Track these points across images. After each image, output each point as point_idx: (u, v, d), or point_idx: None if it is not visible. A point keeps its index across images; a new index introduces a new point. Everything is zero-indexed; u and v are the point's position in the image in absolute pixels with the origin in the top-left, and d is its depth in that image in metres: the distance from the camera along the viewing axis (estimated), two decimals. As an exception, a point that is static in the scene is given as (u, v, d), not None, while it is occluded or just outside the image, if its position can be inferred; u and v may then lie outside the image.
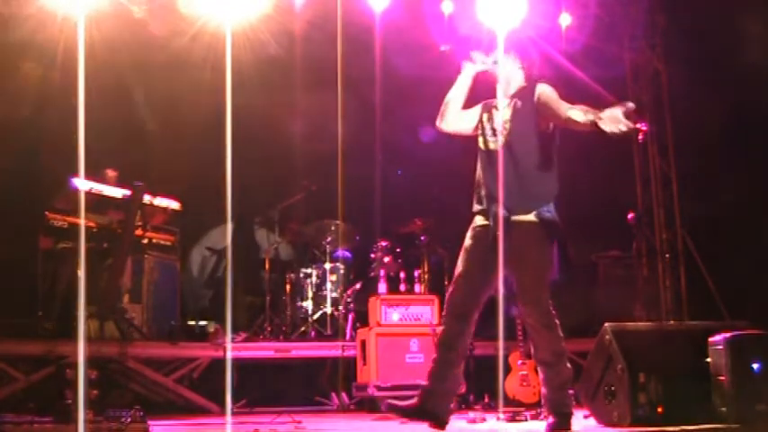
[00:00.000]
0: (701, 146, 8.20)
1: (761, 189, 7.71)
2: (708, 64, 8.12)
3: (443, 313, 4.66)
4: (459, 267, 4.59)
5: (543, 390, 4.48)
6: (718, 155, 8.00)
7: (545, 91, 4.49)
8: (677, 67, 8.67)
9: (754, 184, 7.81)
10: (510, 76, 4.67)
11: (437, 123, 4.77)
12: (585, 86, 8.45)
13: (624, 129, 4.04)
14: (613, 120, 4.05)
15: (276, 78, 8.60)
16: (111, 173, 7.46)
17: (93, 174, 7.11)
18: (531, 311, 4.46)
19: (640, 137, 8.10)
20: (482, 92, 4.80)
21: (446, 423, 4.49)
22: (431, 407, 4.45)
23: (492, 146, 4.61)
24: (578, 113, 4.25)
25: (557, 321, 4.44)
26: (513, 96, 4.63)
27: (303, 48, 8.41)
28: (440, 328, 4.71)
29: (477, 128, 4.73)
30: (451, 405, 4.60)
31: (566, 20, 8.52)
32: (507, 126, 4.56)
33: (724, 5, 7.85)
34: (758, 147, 7.71)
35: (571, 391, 4.46)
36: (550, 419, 4.38)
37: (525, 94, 4.58)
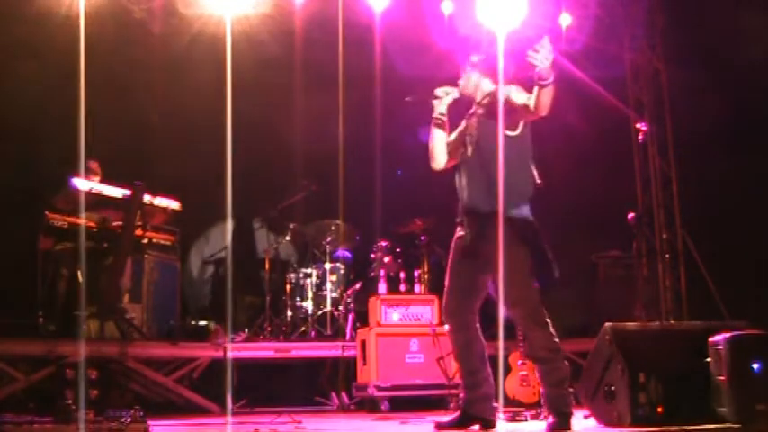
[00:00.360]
0: (701, 146, 8.19)
1: (761, 189, 7.71)
2: (708, 64, 8.12)
3: (446, 329, 4.78)
4: (446, 281, 4.72)
5: (542, 388, 4.50)
6: (718, 155, 7.99)
7: (511, 92, 4.55)
8: (677, 67, 8.66)
9: (755, 184, 7.81)
10: (478, 86, 4.74)
11: (431, 166, 4.86)
12: (585, 86, 8.46)
13: (549, 59, 4.20)
14: (541, 61, 4.17)
15: (276, 78, 8.60)
16: (92, 164, 7.41)
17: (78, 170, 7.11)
18: (518, 311, 4.51)
19: (640, 137, 8.09)
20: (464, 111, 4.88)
21: (494, 423, 4.61)
22: (475, 412, 4.58)
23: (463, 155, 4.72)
24: (532, 95, 4.33)
25: (547, 319, 4.46)
26: (480, 103, 4.71)
27: (303, 48, 8.42)
28: (440, 328, 4.80)
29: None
30: (494, 405, 4.66)
31: (566, 20, 8.52)
32: (474, 132, 4.66)
33: (724, 5, 7.85)
34: (758, 146, 7.71)
35: (570, 389, 4.47)
36: (550, 419, 4.39)
37: (493, 98, 4.64)
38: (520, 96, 4.47)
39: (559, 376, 4.43)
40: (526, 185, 4.58)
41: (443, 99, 4.78)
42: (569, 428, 4.37)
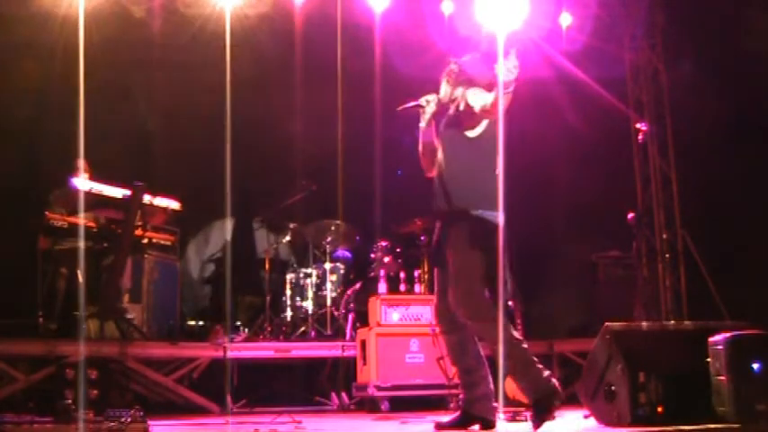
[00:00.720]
0: (701, 146, 8.19)
1: (761, 188, 7.70)
2: (708, 63, 8.12)
3: (438, 330, 4.79)
4: (434, 285, 4.81)
5: (514, 380, 4.53)
6: (718, 155, 7.99)
7: (470, 93, 4.59)
8: (677, 68, 8.66)
9: (755, 184, 7.80)
10: (451, 93, 4.80)
11: (426, 175, 4.92)
12: (585, 86, 8.46)
13: (514, 72, 4.11)
14: (505, 74, 4.13)
15: (276, 78, 8.60)
16: (80, 163, 7.39)
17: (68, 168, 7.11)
18: (461, 307, 4.51)
19: (640, 137, 8.08)
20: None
21: (494, 423, 4.61)
22: (475, 412, 4.58)
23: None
24: (490, 95, 4.36)
25: (495, 314, 4.43)
26: (449, 109, 4.77)
27: (303, 48, 8.42)
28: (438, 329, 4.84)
29: None
30: (494, 405, 4.65)
31: (566, 20, 8.52)
32: (441, 135, 4.74)
33: (724, 4, 7.85)
34: (758, 146, 7.70)
35: (539, 366, 4.46)
36: (533, 409, 4.41)
37: (458, 102, 4.70)
38: (478, 97, 4.50)
39: (523, 359, 4.42)
40: (486, 189, 4.58)
41: (427, 108, 4.82)
42: (553, 406, 4.35)
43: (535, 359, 4.47)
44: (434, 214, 4.74)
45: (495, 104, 4.30)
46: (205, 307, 8.94)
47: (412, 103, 4.84)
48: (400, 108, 4.87)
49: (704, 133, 8.10)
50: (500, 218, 4.54)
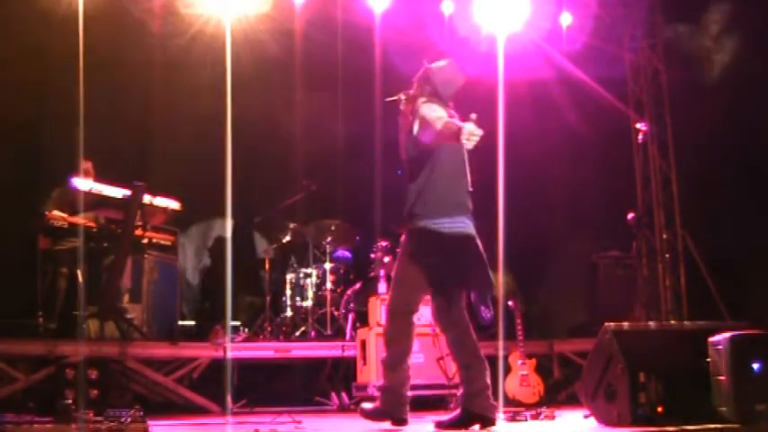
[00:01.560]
0: (701, 146, 8.19)
1: (761, 188, 7.70)
2: (708, 63, 8.12)
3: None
4: None
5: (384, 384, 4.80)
6: (718, 155, 7.98)
7: (420, 107, 4.62)
8: (677, 67, 8.66)
9: (754, 184, 7.80)
10: (413, 96, 4.85)
11: None
12: (585, 86, 8.46)
13: (473, 144, 4.10)
14: (469, 134, 4.08)
15: (276, 78, 8.60)
16: (86, 164, 7.40)
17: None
18: (386, 307, 4.89)
19: (640, 137, 8.09)
20: None
21: (494, 421, 4.61)
22: (475, 409, 4.58)
23: None
24: (441, 123, 4.40)
25: (396, 321, 4.72)
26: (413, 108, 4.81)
27: (303, 48, 8.42)
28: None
29: None
30: (493, 403, 4.66)
31: (566, 20, 8.53)
32: (403, 144, 4.82)
33: (724, 4, 7.85)
34: (758, 146, 7.70)
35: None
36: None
37: (415, 111, 4.73)
38: (434, 116, 4.50)
39: (398, 380, 4.67)
40: (443, 198, 4.64)
41: (401, 105, 4.89)
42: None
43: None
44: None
45: (442, 136, 4.37)
46: (204, 307, 8.93)
47: (395, 97, 4.86)
48: (387, 99, 4.93)
49: (704, 133, 8.10)
50: (463, 224, 4.65)
